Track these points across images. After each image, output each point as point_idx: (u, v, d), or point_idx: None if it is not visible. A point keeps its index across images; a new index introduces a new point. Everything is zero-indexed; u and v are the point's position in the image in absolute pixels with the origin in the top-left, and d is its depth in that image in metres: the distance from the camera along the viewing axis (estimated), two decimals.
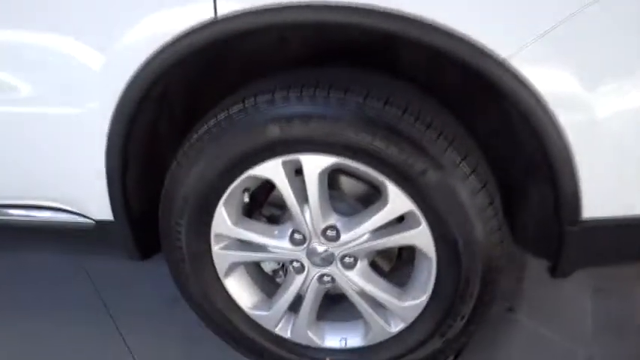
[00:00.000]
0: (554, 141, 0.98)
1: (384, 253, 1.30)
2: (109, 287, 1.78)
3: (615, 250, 1.12)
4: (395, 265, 1.32)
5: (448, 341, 1.23)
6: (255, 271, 1.35)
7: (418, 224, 1.10)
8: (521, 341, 1.54)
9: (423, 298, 1.18)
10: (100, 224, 1.32)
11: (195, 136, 1.14)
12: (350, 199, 1.24)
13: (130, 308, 1.68)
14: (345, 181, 1.23)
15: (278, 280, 1.35)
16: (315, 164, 1.09)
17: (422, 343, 1.23)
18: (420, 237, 1.12)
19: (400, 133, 1.02)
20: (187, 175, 1.16)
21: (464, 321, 1.19)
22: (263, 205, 1.30)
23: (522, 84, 0.95)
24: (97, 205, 1.29)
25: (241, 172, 1.13)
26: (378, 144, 1.03)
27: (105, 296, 1.75)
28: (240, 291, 1.30)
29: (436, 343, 1.23)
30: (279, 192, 1.23)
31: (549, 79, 0.96)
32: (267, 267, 1.35)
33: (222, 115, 1.11)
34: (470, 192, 1.05)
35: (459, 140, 1.06)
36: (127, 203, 1.25)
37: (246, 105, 1.08)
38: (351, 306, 1.32)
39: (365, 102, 1.03)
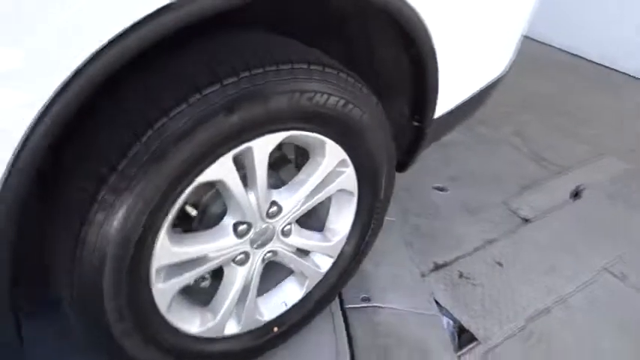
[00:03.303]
0: (426, 41, 1.15)
1: None
2: None
3: (451, 125, 1.49)
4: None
5: (359, 260, 1.41)
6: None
7: (345, 169, 1.19)
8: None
9: (347, 230, 1.30)
10: None
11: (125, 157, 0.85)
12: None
13: None
14: None
15: (203, 284, 1.19)
16: (266, 147, 1.01)
17: (345, 270, 1.37)
18: (348, 180, 1.21)
19: (340, 88, 1.04)
20: (115, 209, 0.87)
21: (373, 236, 1.38)
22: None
23: None
24: None
25: (189, 182, 0.93)
26: (331, 103, 1.03)
27: None
28: (184, 319, 1.11)
29: (354, 265, 1.39)
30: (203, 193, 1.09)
31: None
32: None
33: (161, 117, 0.86)
34: (385, 121, 1.19)
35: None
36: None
37: (202, 94, 0.87)
38: (268, 273, 1.32)
39: (310, 67, 0.99)
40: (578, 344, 1.59)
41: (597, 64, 3.60)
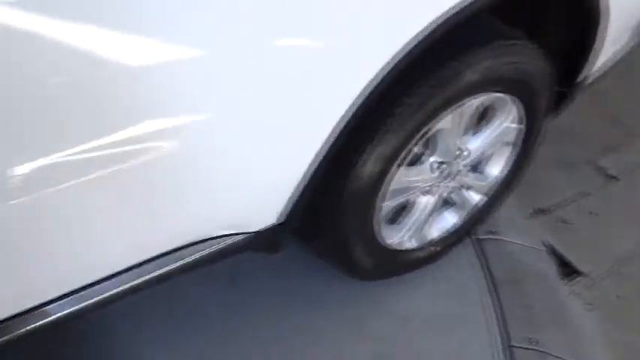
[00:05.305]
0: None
1: None
2: None
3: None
4: None
5: (501, 199, 1.70)
6: None
7: (517, 125, 1.46)
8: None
9: (498, 173, 1.59)
10: (259, 233, 1.17)
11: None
12: None
13: None
14: None
15: None
16: (478, 103, 1.30)
17: (490, 207, 1.67)
18: (517, 134, 1.49)
19: (533, 58, 1.31)
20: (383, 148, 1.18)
21: (515, 181, 1.67)
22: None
23: None
24: (267, 214, 1.14)
25: (429, 129, 1.23)
26: (527, 70, 1.30)
27: None
28: (383, 233, 1.43)
29: (496, 203, 1.70)
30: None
31: None
32: None
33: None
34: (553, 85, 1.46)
35: None
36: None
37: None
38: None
39: (518, 42, 1.26)
40: None
41: None
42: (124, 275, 1.05)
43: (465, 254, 1.76)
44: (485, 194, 1.62)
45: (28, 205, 0.84)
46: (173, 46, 0.85)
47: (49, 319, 1.03)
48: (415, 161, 1.38)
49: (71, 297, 1.04)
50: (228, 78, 0.91)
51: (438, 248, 1.63)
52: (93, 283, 1.05)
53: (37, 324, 1.02)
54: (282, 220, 1.18)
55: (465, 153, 1.43)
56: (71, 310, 1.05)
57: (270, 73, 0.93)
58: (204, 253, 1.12)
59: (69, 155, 0.84)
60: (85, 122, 0.84)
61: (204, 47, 0.86)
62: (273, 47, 0.92)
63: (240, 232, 1.14)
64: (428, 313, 1.59)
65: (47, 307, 1.02)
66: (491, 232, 1.86)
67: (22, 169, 0.81)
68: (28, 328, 1.00)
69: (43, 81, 0.78)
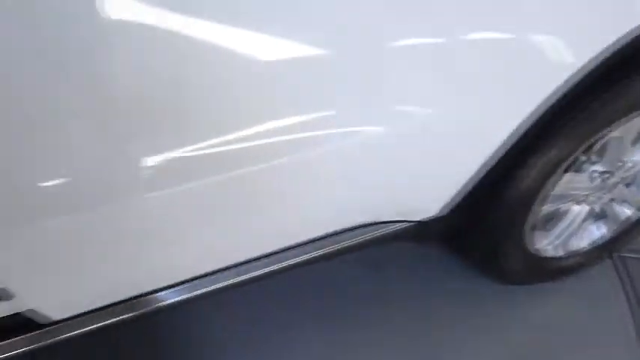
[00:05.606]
0: None
1: None
2: None
3: None
4: None
5: None
6: None
7: None
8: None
9: None
10: (421, 223, 1.21)
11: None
12: None
13: None
14: None
15: None
16: None
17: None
18: None
19: None
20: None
21: None
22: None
23: None
24: (433, 205, 1.18)
25: (603, 136, 1.21)
26: None
27: None
28: (533, 238, 1.43)
29: None
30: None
31: None
32: None
33: None
34: None
35: None
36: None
37: None
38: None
39: None
40: None
41: None
42: (298, 249, 1.13)
43: (606, 270, 1.70)
44: (639, 210, 1.56)
45: (198, 189, 0.92)
46: (363, 39, 0.90)
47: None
48: (577, 169, 1.36)
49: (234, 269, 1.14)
50: (420, 71, 0.95)
51: (582, 260, 1.58)
52: (265, 255, 1.15)
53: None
54: (444, 213, 1.22)
55: (629, 165, 1.38)
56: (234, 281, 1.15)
57: (463, 71, 0.96)
58: (368, 236, 1.18)
59: (242, 143, 0.90)
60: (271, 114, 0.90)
61: (395, 42, 0.90)
62: (468, 42, 0.94)
63: (405, 219, 1.18)
64: (566, 324, 1.56)
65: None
66: (637, 251, 1.78)
67: (194, 158, 0.88)
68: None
69: (207, 80, 0.82)
